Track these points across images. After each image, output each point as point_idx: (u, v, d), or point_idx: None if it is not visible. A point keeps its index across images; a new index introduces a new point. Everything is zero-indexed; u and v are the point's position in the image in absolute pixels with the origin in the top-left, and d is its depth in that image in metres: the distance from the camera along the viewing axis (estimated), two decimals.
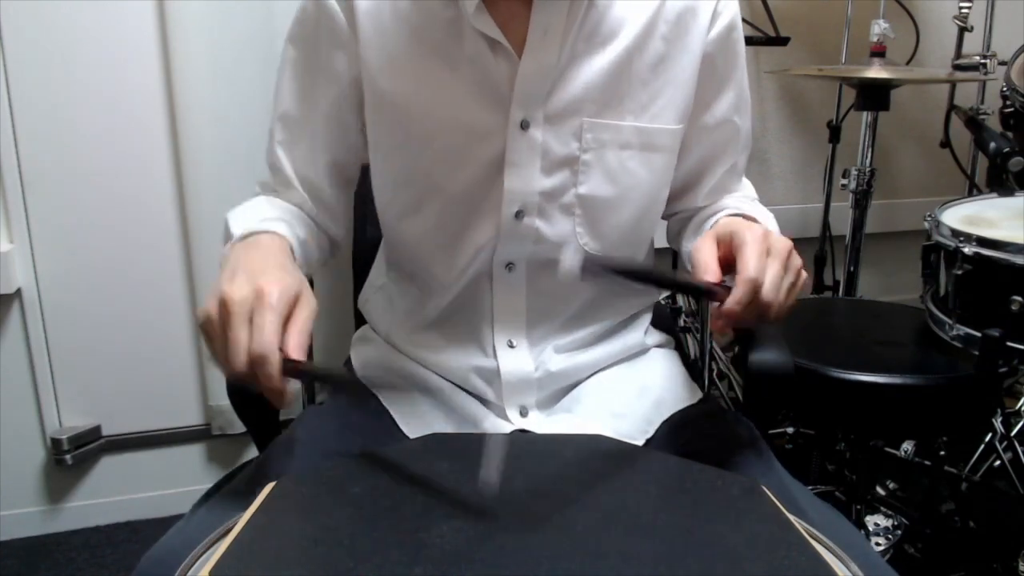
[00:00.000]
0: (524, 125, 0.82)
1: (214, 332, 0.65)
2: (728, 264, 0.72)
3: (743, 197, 0.97)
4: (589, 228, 0.87)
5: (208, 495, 0.82)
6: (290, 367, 0.63)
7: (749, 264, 0.68)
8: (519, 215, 0.85)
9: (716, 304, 0.70)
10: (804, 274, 0.74)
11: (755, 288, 0.68)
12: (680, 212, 0.99)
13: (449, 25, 0.81)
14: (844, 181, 1.72)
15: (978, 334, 1.14)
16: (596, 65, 0.82)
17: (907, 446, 1.43)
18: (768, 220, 0.89)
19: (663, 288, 0.68)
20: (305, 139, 0.90)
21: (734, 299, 0.68)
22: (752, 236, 0.70)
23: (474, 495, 0.61)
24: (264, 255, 0.75)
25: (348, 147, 0.91)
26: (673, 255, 1.72)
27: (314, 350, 1.22)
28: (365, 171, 0.94)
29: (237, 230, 0.81)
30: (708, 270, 0.71)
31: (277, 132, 0.91)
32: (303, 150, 0.90)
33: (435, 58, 0.82)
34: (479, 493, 0.60)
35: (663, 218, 1.02)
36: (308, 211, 0.92)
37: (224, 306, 0.64)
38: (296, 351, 0.63)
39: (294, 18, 0.89)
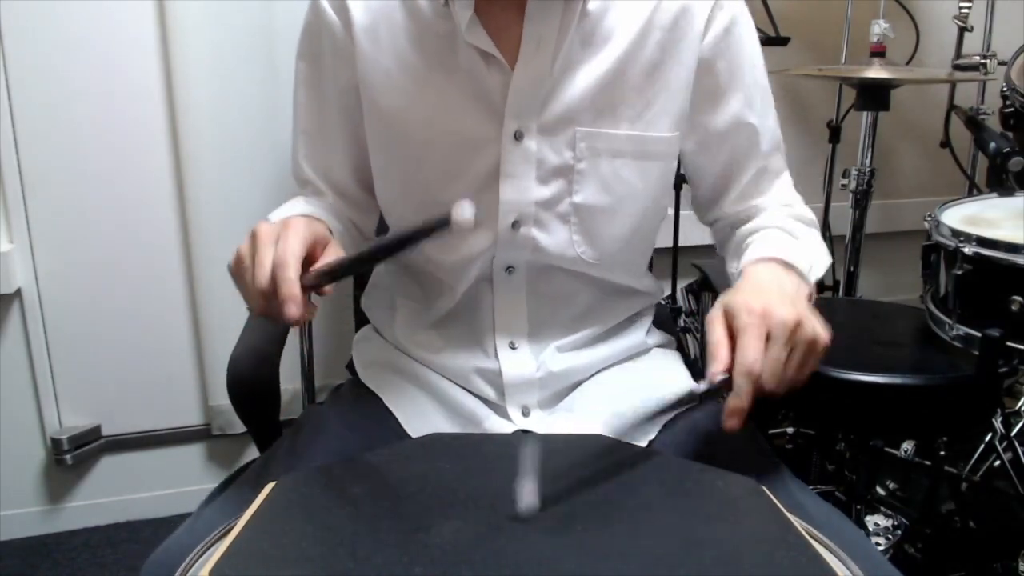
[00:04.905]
0: (518, 136, 0.82)
1: (244, 263, 0.68)
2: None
3: (779, 205, 0.93)
4: (585, 237, 0.87)
5: (214, 495, 0.82)
6: (309, 277, 0.67)
7: (746, 355, 0.67)
8: (516, 225, 0.85)
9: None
10: (821, 339, 0.70)
11: (754, 380, 0.67)
12: (719, 220, 0.97)
13: (443, 38, 0.81)
14: (844, 181, 1.72)
15: (978, 334, 1.14)
16: (590, 74, 0.82)
17: (907, 446, 1.43)
18: (797, 252, 0.83)
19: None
20: (327, 149, 0.92)
21: (735, 394, 0.67)
22: (750, 320, 0.69)
23: (474, 495, 0.61)
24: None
25: (366, 148, 0.92)
26: (673, 257, 1.73)
27: (314, 350, 1.23)
28: None
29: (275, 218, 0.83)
30: (717, 358, 0.70)
31: (300, 147, 0.94)
32: (327, 160, 0.93)
33: (429, 71, 0.83)
34: (519, 512, 0.58)
35: (706, 224, 1.01)
36: (340, 211, 0.94)
37: (254, 237, 0.69)
38: (318, 263, 0.69)
39: (300, 33, 0.90)
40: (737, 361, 0.68)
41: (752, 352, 0.67)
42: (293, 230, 0.68)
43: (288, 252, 0.66)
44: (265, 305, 0.67)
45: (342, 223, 0.91)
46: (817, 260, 0.86)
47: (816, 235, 0.91)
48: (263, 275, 0.66)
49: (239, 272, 0.70)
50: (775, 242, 0.86)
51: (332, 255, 0.71)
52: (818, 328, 0.71)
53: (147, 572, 0.69)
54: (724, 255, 0.98)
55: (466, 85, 0.82)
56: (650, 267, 1.10)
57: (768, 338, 0.68)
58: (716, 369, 0.69)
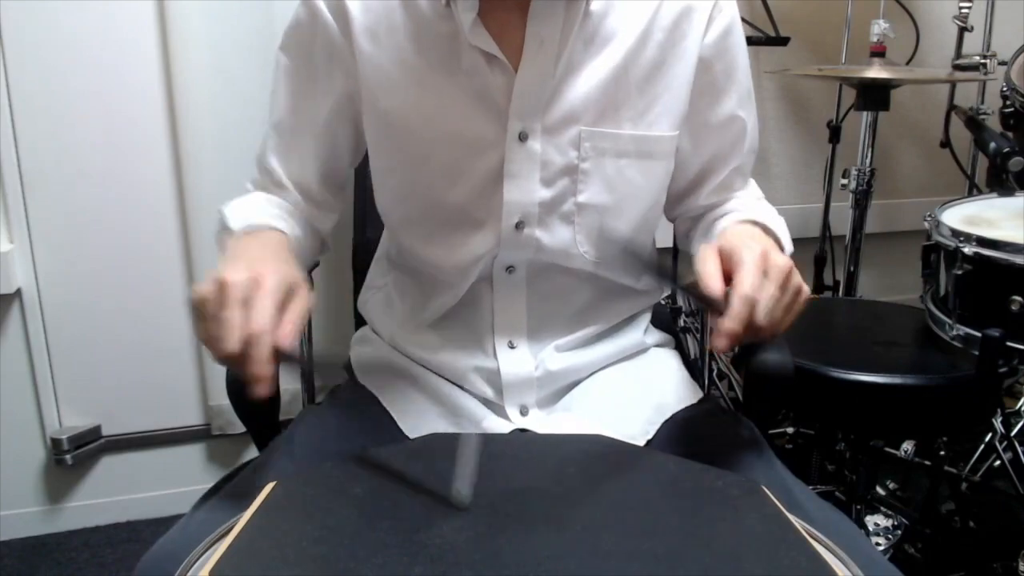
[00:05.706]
0: (523, 137, 0.82)
1: (206, 313, 0.64)
2: (729, 277, 0.71)
3: (750, 196, 0.96)
4: (588, 236, 0.87)
5: (207, 496, 0.82)
6: (280, 355, 0.63)
7: (745, 283, 0.68)
8: (519, 226, 0.85)
9: (717, 319, 0.69)
10: (805, 291, 0.72)
11: (751, 306, 0.67)
12: (687, 212, 0.99)
13: (445, 39, 0.81)
14: (844, 181, 1.72)
15: (978, 334, 1.14)
16: (593, 75, 0.82)
17: (907, 446, 1.43)
18: (775, 223, 0.88)
19: (669, 285, 0.67)
20: (298, 147, 0.91)
21: (730, 317, 0.67)
22: (750, 256, 0.70)
23: (474, 495, 0.61)
24: (264, 248, 0.78)
25: (339, 155, 0.93)
26: (673, 257, 1.73)
27: (314, 351, 1.23)
28: (367, 172, 0.95)
29: (236, 224, 0.83)
30: (712, 282, 0.70)
31: (271, 139, 0.92)
32: (296, 157, 0.92)
33: (432, 73, 0.82)
34: (453, 499, 0.60)
35: (669, 220, 1.02)
36: (301, 210, 0.93)
37: (221, 288, 0.64)
38: (287, 339, 0.64)
39: (287, 27, 0.89)
40: (737, 284, 0.68)
41: (754, 280, 0.68)
42: (266, 291, 0.64)
43: (262, 324, 0.62)
44: (228, 363, 0.64)
45: (302, 228, 0.91)
46: (787, 236, 0.88)
47: (782, 221, 0.92)
48: (232, 341, 0.62)
49: (202, 322, 0.65)
50: (752, 210, 0.89)
51: (301, 303, 0.67)
52: (802, 282, 0.73)
53: (141, 572, 0.69)
54: (688, 243, 1.00)
55: (469, 86, 0.82)
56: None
57: (765, 276, 0.69)
58: (713, 287, 0.69)
